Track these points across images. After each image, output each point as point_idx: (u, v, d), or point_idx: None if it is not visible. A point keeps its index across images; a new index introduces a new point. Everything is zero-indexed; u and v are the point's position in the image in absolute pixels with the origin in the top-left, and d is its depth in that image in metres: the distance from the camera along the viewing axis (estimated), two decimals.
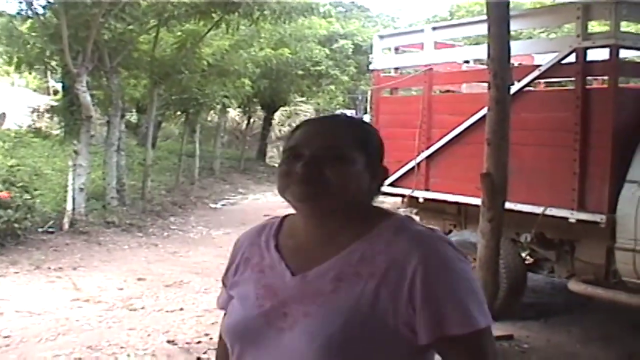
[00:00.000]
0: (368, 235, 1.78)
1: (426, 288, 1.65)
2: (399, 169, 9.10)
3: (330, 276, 1.76)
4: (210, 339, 7.14)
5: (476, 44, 11.16)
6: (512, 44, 6.99)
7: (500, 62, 6.46)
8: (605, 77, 7.50)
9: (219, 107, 22.25)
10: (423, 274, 1.65)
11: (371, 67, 10.13)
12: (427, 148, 8.78)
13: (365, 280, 1.71)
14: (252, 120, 29.63)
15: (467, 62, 9.79)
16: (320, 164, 1.77)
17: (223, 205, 18.68)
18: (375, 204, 1.90)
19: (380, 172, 1.88)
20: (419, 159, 8.86)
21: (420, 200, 8.97)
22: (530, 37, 15.75)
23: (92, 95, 13.95)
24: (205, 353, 6.78)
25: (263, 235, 1.99)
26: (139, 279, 9.85)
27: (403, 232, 1.75)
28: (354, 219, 1.83)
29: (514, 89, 7.42)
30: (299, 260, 1.85)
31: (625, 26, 8.20)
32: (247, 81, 20.66)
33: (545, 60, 7.83)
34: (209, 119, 27.35)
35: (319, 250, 1.82)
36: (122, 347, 6.91)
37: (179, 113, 21.50)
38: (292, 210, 1.91)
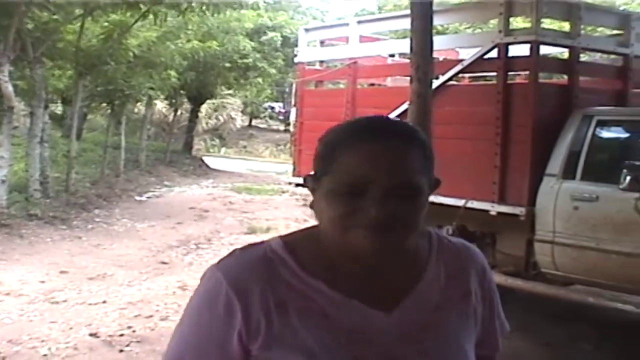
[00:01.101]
0: (433, 253, 1.64)
1: (492, 291, 1.70)
2: None
3: (429, 305, 1.58)
4: (134, 331, 7.07)
5: (403, 37, 11.25)
6: (436, 38, 7.06)
7: (422, 56, 6.50)
8: (527, 73, 7.64)
9: (145, 99, 22.03)
10: (485, 276, 1.68)
11: (296, 60, 10.13)
12: None
13: (460, 299, 1.62)
14: (178, 112, 29.35)
15: (392, 55, 9.85)
16: (392, 201, 1.46)
17: (148, 197, 18.46)
18: None
19: (435, 186, 1.60)
20: None
21: None
22: (457, 32, 15.95)
23: (14, 86, 13.67)
24: (128, 346, 6.70)
25: (279, 270, 1.56)
26: (62, 272, 9.67)
27: (447, 240, 1.68)
28: (416, 241, 1.64)
29: (436, 82, 7.51)
30: (370, 295, 1.55)
31: (549, 23, 8.37)
32: (173, 73, 20.51)
33: (469, 55, 7.94)
34: (135, 110, 27.06)
35: (394, 280, 1.58)
36: (43, 341, 6.77)
37: (104, 105, 21.24)
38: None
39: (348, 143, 1.50)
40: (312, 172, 1.57)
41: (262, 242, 1.63)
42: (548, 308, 7.86)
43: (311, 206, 1.57)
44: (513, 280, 7.39)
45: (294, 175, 9.96)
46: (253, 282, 1.53)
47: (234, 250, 1.62)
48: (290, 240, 1.62)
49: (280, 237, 1.64)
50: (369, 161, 1.47)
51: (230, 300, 1.52)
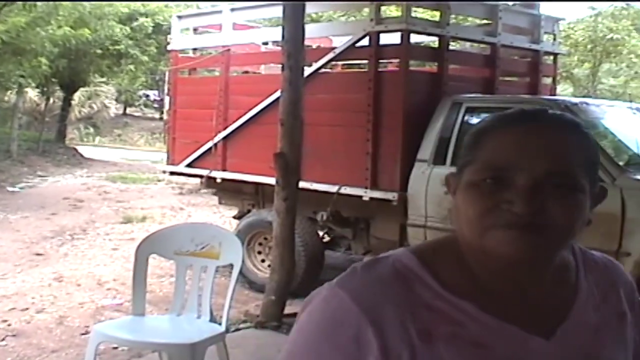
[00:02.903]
0: (580, 268, 1.41)
1: None
2: (196, 150, 9.08)
3: (588, 329, 1.35)
4: (9, 325, 6.85)
5: (277, 26, 11.24)
6: (309, 26, 7.09)
7: (294, 44, 6.52)
8: (398, 61, 7.75)
9: (15, 87, 21.31)
10: (634, 296, 1.47)
11: (169, 47, 9.98)
12: (225, 129, 8.75)
13: (616, 321, 1.41)
14: (51, 100, 28.52)
15: (266, 43, 9.82)
16: (544, 194, 1.22)
17: (21, 188, 17.85)
18: None
19: (599, 197, 1.35)
20: (216, 140, 8.82)
21: (218, 180, 8.95)
22: (331, 20, 16.04)
23: None
24: (3, 340, 6.46)
25: (417, 289, 1.27)
26: None
27: (591, 254, 1.46)
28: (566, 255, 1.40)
29: (309, 70, 7.54)
30: (526, 318, 1.30)
31: (421, 12, 8.52)
32: (44, 60, 19.86)
33: (342, 43, 7.99)
34: (5, 99, 26.17)
35: (549, 299, 1.34)
36: None
37: None
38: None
39: (496, 126, 1.30)
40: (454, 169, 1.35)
41: (387, 256, 1.33)
42: None
43: (450, 212, 1.39)
44: None
45: (168, 163, 9.84)
46: (389, 307, 1.23)
47: (354, 267, 1.32)
48: (424, 253, 1.33)
49: (410, 249, 1.35)
50: (517, 143, 1.26)
51: (363, 331, 1.22)
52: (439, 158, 6.98)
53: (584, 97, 21.24)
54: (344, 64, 9.81)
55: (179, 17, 10.10)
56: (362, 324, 1.22)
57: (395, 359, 1.20)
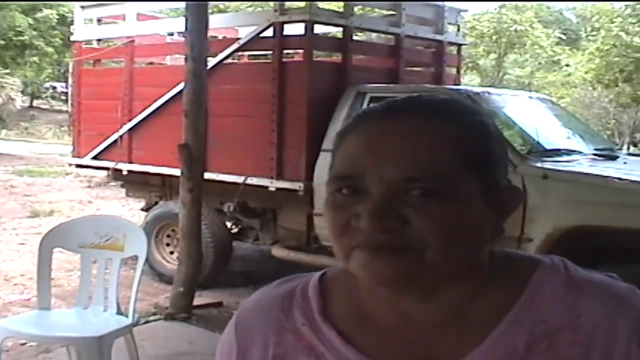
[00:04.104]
0: (523, 301, 1.09)
1: None
2: (102, 142, 8.97)
3: None
4: None
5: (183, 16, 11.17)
6: (214, 17, 7.09)
7: (197, 35, 6.51)
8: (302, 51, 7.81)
9: None
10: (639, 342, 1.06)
11: (72, 38, 9.82)
12: (130, 120, 8.67)
13: None
14: None
15: (171, 34, 9.76)
16: (401, 207, 1.00)
17: None
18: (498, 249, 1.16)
19: (509, 197, 1.11)
20: (121, 132, 8.73)
21: (125, 172, 8.86)
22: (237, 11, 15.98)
23: None
24: None
25: (295, 313, 1.18)
26: None
27: (581, 285, 1.09)
28: (484, 279, 1.11)
29: (213, 61, 7.54)
30: (400, 359, 1.10)
31: (327, 3, 8.57)
32: None
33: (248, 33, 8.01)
34: None
35: (436, 337, 1.09)
36: None
37: None
38: None
39: (355, 126, 1.09)
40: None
41: (301, 276, 1.25)
42: None
43: None
44: (296, 254, 7.57)
45: (73, 156, 9.68)
46: (259, 329, 1.20)
47: (270, 284, 1.26)
48: (330, 276, 1.22)
49: (325, 271, 1.24)
50: (368, 144, 1.05)
51: (231, 348, 1.22)
52: None
53: (489, 87, 21.69)
54: (252, 55, 9.81)
55: (82, 7, 9.93)
56: (232, 344, 1.22)
57: None
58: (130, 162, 8.77)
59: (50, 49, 25.56)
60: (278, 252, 7.74)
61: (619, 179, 5.68)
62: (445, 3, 9.03)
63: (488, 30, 25.20)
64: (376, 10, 12.97)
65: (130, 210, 12.93)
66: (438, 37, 8.89)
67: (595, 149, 6.88)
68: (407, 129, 1.04)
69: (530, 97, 8.24)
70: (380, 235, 1.00)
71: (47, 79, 40.39)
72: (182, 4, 7.11)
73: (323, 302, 1.17)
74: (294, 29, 7.64)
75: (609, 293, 1.08)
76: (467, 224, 1.02)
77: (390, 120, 1.06)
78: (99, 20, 9.84)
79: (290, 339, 1.16)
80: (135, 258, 5.03)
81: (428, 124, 1.05)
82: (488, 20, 25.48)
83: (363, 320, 1.13)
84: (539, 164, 6.16)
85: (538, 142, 6.82)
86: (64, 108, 41.94)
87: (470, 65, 26.10)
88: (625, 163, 6.51)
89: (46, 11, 25.27)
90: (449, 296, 1.08)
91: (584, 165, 6.25)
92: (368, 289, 1.12)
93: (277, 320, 1.18)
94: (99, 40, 9.80)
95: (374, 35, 9.47)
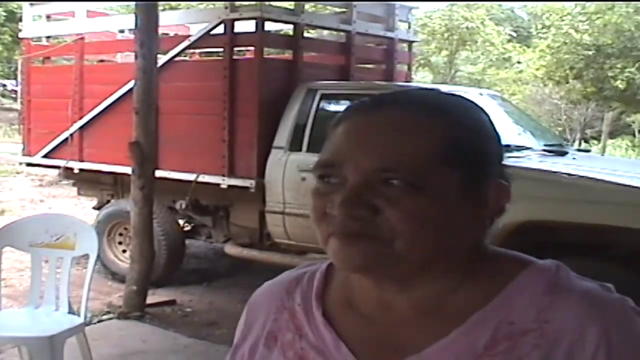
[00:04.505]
0: (497, 300, 1.09)
1: None
2: (53, 140, 8.89)
3: None
4: None
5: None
6: (165, 14, 7.06)
7: (147, 32, 6.50)
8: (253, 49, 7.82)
9: None
10: (608, 357, 1.03)
11: (21, 35, 9.72)
12: (80, 118, 8.60)
13: None
14: None
15: (122, 31, 9.70)
16: (374, 196, 1.04)
17: None
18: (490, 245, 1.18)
19: (495, 191, 1.12)
20: (72, 130, 8.66)
21: (76, 171, 8.80)
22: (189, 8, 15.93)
23: None
24: None
25: (297, 294, 1.26)
26: None
27: (562, 291, 1.08)
28: (463, 275, 1.13)
29: (164, 59, 7.53)
30: (371, 344, 1.14)
31: (278, 1, 8.59)
32: None
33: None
34: None
35: (408, 328, 1.12)
36: None
37: None
38: None
39: (342, 117, 1.14)
40: None
41: (319, 263, 1.30)
42: None
43: None
44: (249, 252, 7.59)
45: (24, 154, 9.57)
46: (264, 308, 1.28)
47: (296, 267, 1.34)
48: None
49: None
50: (349, 134, 1.09)
51: (240, 326, 1.31)
52: (295, 145, 7.07)
53: (441, 84, 21.86)
54: (204, 53, 9.79)
55: (31, 4, 9.82)
56: (249, 317, 1.30)
57: (248, 348, 1.26)
58: (82, 161, 8.70)
59: None
60: (230, 249, 7.75)
61: (567, 174, 5.76)
62: (396, 2, 9.08)
63: (440, 28, 25.40)
64: (328, 7, 13.01)
65: (83, 209, 12.82)
66: (389, 34, 8.95)
67: (545, 145, 6.97)
68: (388, 121, 1.07)
69: (481, 94, 8.31)
70: (351, 222, 1.04)
71: None
72: (133, 3, 7.09)
73: (323, 287, 1.23)
74: (246, 27, 7.65)
75: (589, 301, 1.06)
76: (439, 217, 1.04)
77: (375, 112, 1.10)
78: (48, 17, 9.74)
79: (285, 317, 1.23)
80: (87, 257, 5.01)
81: (409, 117, 1.08)
82: (439, 18, 25.68)
83: (348, 306, 1.18)
84: None
85: None
86: (15, 106, 41.37)
87: (422, 62, 26.31)
88: (574, 158, 6.60)
89: None
90: (427, 288, 1.11)
91: (533, 160, 6.31)
92: (353, 276, 1.17)
93: (279, 300, 1.26)
94: (48, 37, 9.69)
95: (325, 32, 9.50)
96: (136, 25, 6.60)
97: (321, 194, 1.09)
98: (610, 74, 21.51)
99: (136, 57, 6.55)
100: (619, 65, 21.28)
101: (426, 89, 1.12)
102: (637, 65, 21.01)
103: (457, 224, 1.07)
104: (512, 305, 1.07)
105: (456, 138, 1.07)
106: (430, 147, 1.05)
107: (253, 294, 1.33)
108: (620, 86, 21.10)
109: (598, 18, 21.32)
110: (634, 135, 25.02)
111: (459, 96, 1.19)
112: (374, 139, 1.06)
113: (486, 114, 1.16)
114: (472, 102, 1.17)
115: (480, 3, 27.79)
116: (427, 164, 1.04)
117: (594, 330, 1.02)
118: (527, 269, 1.11)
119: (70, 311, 4.86)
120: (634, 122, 25.12)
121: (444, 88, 8.34)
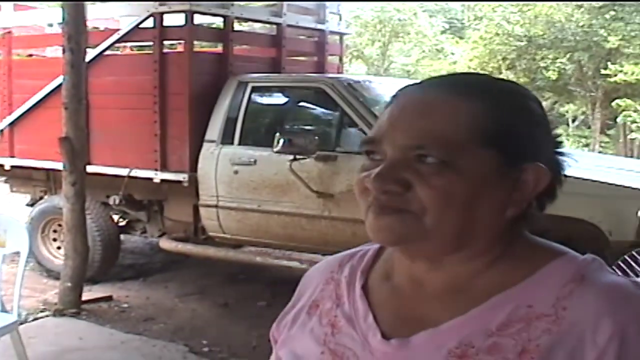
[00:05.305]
0: (521, 285, 1.12)
1: None
2: None
3: (449, 347, 1.10)
4: None
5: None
6: (94, 7, 6.99)
7: (74, 26, 6.45)
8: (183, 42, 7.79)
9: None
10: (620, 350, 1.03)
11: None
12: (10, 114, 8.48)
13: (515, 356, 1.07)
14: None
15: (51, 25, 9.58)
16: (406, 172, 1.09)
17: None
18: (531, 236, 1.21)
19: (534, 175, 1.12)
20: (2, 125, 8.53)
21: (7, 167, 8.68)
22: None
23: None
24: None
25: (346, 268, 1.31)
26: None
27: (586, 281, 1.09)
28: (494, 257, 1.15)
29: (93, 53, 7.47)
30: (397, 317, 1.19)
31: None
32: None
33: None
34: None
35: (434, 304, 1.17)
36: None
37: None
38: None
39: (391, 99, 1.20)
40: None
41: None
42: (224, 270, 8.21)
43: None
44: (184, 246, 7.59)
45: None
46: (317, 276, 1.35)
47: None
48: None
49: None
50: (389, 115, 1.15)
51: (299, 289, 1.39)
52: (227, 138, 7.09)
53: (375, 75, 22.00)
54: (137, 46, 9.72)
55: None
56: (302, 288, 1.37)
57: (293, 314, 1.33)
58: (13, 157, 8.59)
59: None
60: (165, 244, 7.73)
61: None
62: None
63: (372, 20, 25.54)
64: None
65: (16, 206, 12.63)
66: (320, 26, 9.02)
67: None
68: (427, 101, 1.13)
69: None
70: (383, 196, 1.09)
71: None
72: None
73: (372, 263, 1.29)
74: (177, 20, 7.62)
75: (611, 294, 1.08)
76: (468, 195, 1.08)
77: (417, 93, 1.16)
78: None
79: (331, 288, 1.30)
80: (19, 254, 4.97)
81: (448, 97, 1.12)
82: (372, 10, 25.80)
83: (386, 279, 1.24)
84: None
85: None
86: None
87: (355, 54, 26.44)
88: None
89: None
90: (458, 268, 1.15)
91: None
92: (396, 253, 1.22)
93: (330, 272, 1.32)
94: None
95: (257, 25, 9.51)
96: (63, 19, 6.54)
97: (365, 170, 1.14)
98: (542, 64, 21.86)
99: (64, 51, 6.49)
100: (550, 56, 21.62)
101: (477, 74, 1.13)
102: (568, 55, 21.36)
103: (489, 205, 1.11)
104: (534, 290, 1.10)
105: (494, 120, 1.10)
106: (465, 127, 1.09)
107: (311, 267, 1.41)
108: (552, 77, 21.45)
109: (529, 9, 21.63)
110: (567, 125, 25.46)
111: (512, 82, 1.24)
112: (411, 118, 1.11)
113: (538, 102, 1.20)
114: (524, 90, 1.20)
115: None
116: (461, 143, 1.08)
117: (609, 322, 1.04)
118: (559, 258, 1.14)
119: (3, 309, 4.83)
120: (567, 112, 25.53)
121: (378, 80, 8.44)
